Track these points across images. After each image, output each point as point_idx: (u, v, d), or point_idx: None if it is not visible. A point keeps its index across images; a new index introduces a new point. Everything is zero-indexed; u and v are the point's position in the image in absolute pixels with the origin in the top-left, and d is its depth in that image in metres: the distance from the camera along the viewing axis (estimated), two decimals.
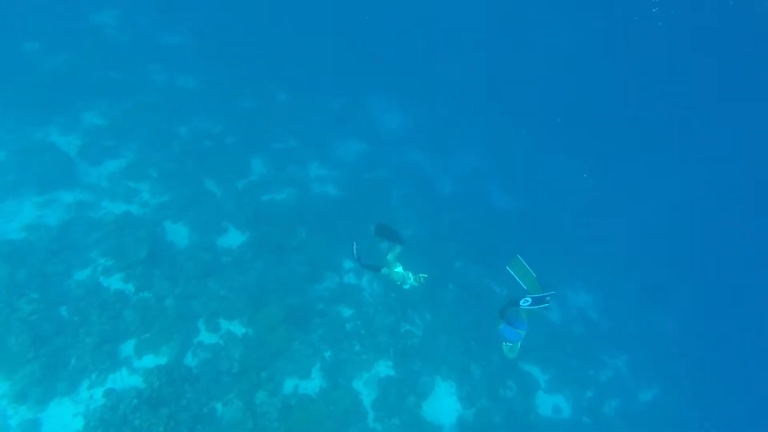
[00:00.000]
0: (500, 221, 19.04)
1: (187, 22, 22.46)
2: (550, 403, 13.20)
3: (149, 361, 9.80)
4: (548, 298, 7.74)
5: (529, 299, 6.74)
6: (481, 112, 26.23)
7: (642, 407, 14.45)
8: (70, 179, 12.74)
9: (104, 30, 18.86)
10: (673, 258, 21.51)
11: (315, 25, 28.06)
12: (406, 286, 9.84)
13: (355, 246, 8.84)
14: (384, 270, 9.13)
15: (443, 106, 25.42)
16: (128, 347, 9.87)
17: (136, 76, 17.85)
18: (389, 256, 9.32)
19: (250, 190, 15.37)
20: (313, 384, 10.78)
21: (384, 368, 11.65)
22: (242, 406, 9.65)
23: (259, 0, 26.77)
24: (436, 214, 17.52)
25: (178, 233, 12.86)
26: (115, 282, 10.72)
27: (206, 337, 10.79)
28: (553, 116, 27.78)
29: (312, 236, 14.23)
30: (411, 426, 10.68)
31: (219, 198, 14.50)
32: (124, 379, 9.40)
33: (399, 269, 10.24)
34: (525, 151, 24.94)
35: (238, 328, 11.17)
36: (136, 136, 15.09)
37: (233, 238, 13.47)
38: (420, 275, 10.21)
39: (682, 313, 18.79)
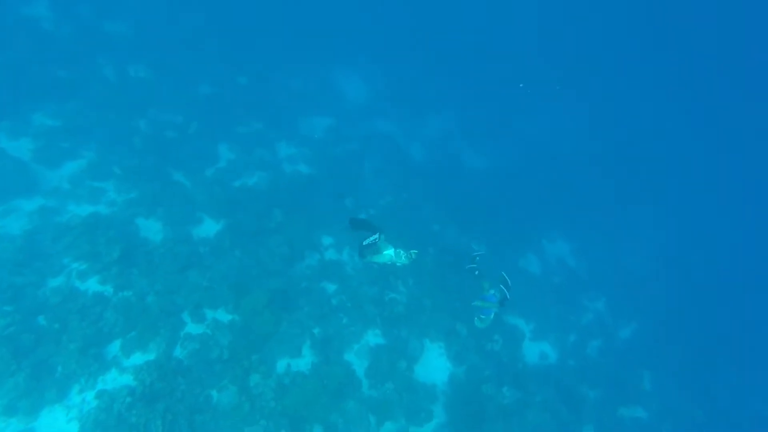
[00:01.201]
0: (473, 181, 19.26)
1: (131, 7, 21.34)
2: (536, 351, 13.75)
3: (138, 358, 9.78)
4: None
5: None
6: (444, 75, 26.07)
7: (621, 344, 15.20)
8: (29, 186, 12.25)
9: (40, 23, 17.72)
10: (642, 198, 22.18)
11: (268, 3, 27.09)
12: (399, 264, 10.16)
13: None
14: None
15: (406, 72, 25.16)
16: (114, 348, 9.80)
17: (84, 71, 16.99)
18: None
19: (221, 177, 15.10)
20: (305, 361, 10.96)
21: (373, 337, 11.90)
22: (237, 390, 9.78)
23: None
24: (410, 180, 17.58)
25: (152, 229, 12.62)
26: (92, 285, 10.53)
27: (193, 328, 10.78)
28: (517, 76, 27.72)
29: (288, 217, 14.16)
30: (405, 389, 11.03)
31: (189, 189, 14.22)
32: (115, 380, 9.38)
33: (389, 251, 10.51)
34: (491, 110, 25.01)
35: (224, 316, 11.19)
36: (93, 135, 14.51)
37: (209, 228, 13.30)
38: (411, 251, 10.56)
39: (652, 252, 19.54)
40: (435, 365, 12.02)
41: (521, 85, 26.16)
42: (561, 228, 18.65)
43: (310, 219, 14.48)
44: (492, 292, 10.97)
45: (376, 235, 9.78)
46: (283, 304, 11.65)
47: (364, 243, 10.44)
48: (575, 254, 17.87)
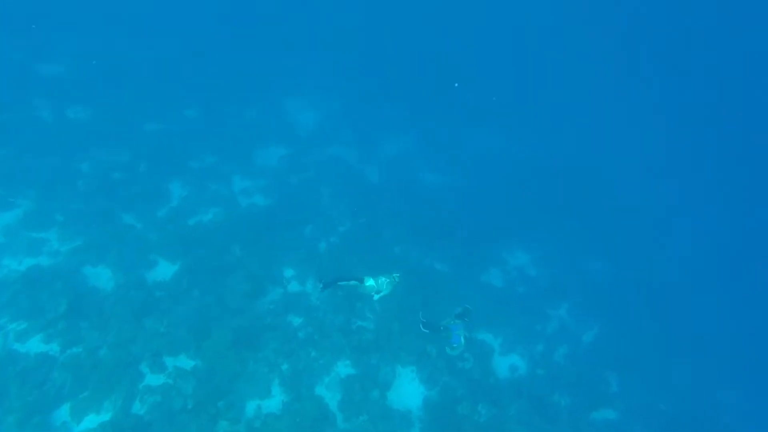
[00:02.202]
0: (431, 199, 19.54)
1: (66, 48, 20.71)
2: (506, 365, 13.89)
3: (91, 421, 9.12)
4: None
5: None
6: (397, 97, 26.64)
7: (586, 348, 15.60)
8: None
9: None
10: (596, 204, 23.20)
11: (214, 32, 27.06)
12: (386, 291, 10.51)
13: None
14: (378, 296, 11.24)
15: (359, 97, 25.54)
16: (63, 413, 9.09)
17: (19, 115, 16.20)
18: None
19: (174, 216, 14.60)
20: (275, 401, 10.57)
21: (343, 368, 11.66)
22: None
23: (143, 14, 25.27)
24: (369, 204, 17.61)
25: (101, 277, 11.98)
26: (34, 345, 9.81)
27: (152, 379, 10.21)
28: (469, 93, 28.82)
29: (248, 251, 13.83)
30: (380, 418, 10.82)
31: (140, 231, 13.65)
32: None
33: (370, 282, 10.72)
34: (446, 127, 25.69)
35: (185, 363, 10.67)
36: (31, 181, 13.75)
37: (164, 270, 12.77)
38: (393, 275, 10.81)
39: (609, 256, 20.38)
40: (408, 390, 11.89)
41: (456, 85, 27.26)
42: (520, 239, 19.13)
43: (270, 252, 14.20)
44: (456, 322, 11.29)
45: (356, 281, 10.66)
46: (248, 343, 11.26)
47: (340, 283, 10.96)
48: (535, 264, 18.34)
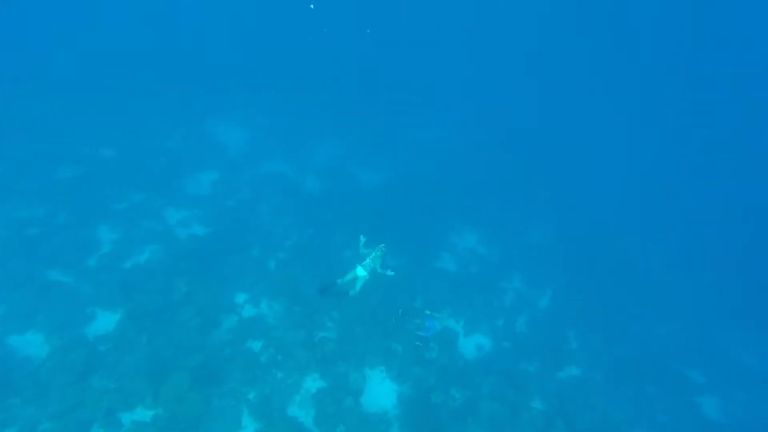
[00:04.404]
0: (373, 198, 19.59)
1: None
2: (472, 345, 14.19)
3: None
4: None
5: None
6: (323, 104, 26.52)
7: (543, 312, 16.26)
8: None
9: None
10: (535, 179, 24.24)
11: (122, 58, 25.73)
12: (380, 264, 10.33)
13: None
14: (354, 291, 11.46)
15: (285, 109, 25.19)
16: None
17: None
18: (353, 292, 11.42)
19: (107, 262, 13.71)
20: None
21: (312, 383, 11.45)
22: None
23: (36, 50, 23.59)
24: (312, 213, 17.41)
25: (32, 344, 11.04)
26: None
27: None
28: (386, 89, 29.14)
29: (194, 284, 13.26)
30: (357, 426, 10.71)
31: (71, 285, 12.70)
32: None
33: (358, 270, 10.49)
34: (375, 125, 25.85)
35: (143, 414, 10.05)
36: None
37: (105, 322, 11.98)
38: (379, 246, 10.62)
39: (549, 223, 21.35)
40: (380, 391, 11.85)
41: (312, 6, 27.34)
42: (465, 220, 19.62)
43: (218, 280, 13.69)
44: (425, 322, 11.50)
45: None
46: (208, 379, 10.78)
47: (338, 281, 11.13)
48: (483, 242, 18.86)
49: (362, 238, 11.42)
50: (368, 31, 27.26)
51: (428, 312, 11.68)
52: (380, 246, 11.34)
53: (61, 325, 11.51)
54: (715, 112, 34.45)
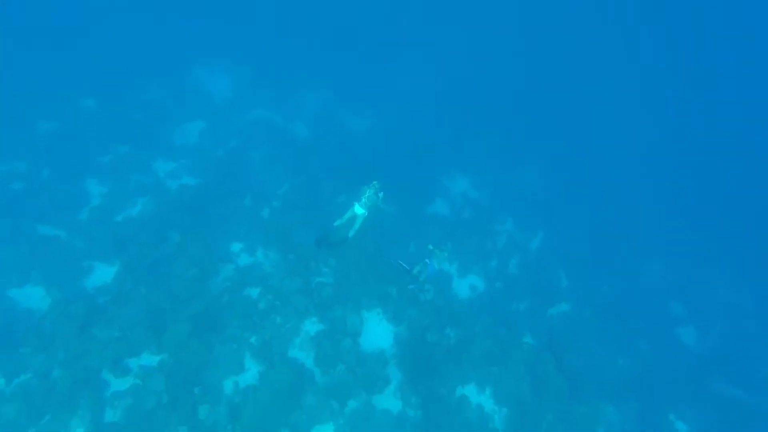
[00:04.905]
0: (363, 144, 19.30)
1: None
2: (465, 287, 14.59)
3: None
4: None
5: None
6: (310, 49, 25.41)
7: (535, 253, 16.64)
8: None
9: None
10: (526, 125, 23.85)
11: (97, 3, 24.10)
12: (374, 200, 10.96)
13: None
14: (352, 232, 11.33)
15: (271, 55, 24.03)
16: None
17: None
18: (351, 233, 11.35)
19: (98, 216, 13.57)
20: (250, 374, 10.64)
21: (311, 326, 11.82)
22: (188, 429, 9.26)
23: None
24: (302, 161, 17.16)
25: (33, 297, 11.14)
26: None
27: (119, 384, 9.93)
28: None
29: (188, 236, 13.25)
30: (356, 364, 11.19)
31: (65, 239, 12.63)
32: None
33: (356, 208, 10.39)
34: (362, 70, 24.93)
35: (150, 360, 10.41)
36: None
37: (102, 275, 12.07)
38: (372, 183, 10.53)
39: (542, 167, 21.30)
40: (377, 332, 12.29)
41: None
42: (457, 165, 19.54)
43: (212, 230, 13.69)
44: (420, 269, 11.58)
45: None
46: (208, 327, 11.06)
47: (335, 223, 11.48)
48: (476, 186, 18.90)
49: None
50: None
51: (431, 247, 11.73)
52: (373, 183, 11.20)
53: (60, 279, 11.57)
54: (706, 52, 33.81)
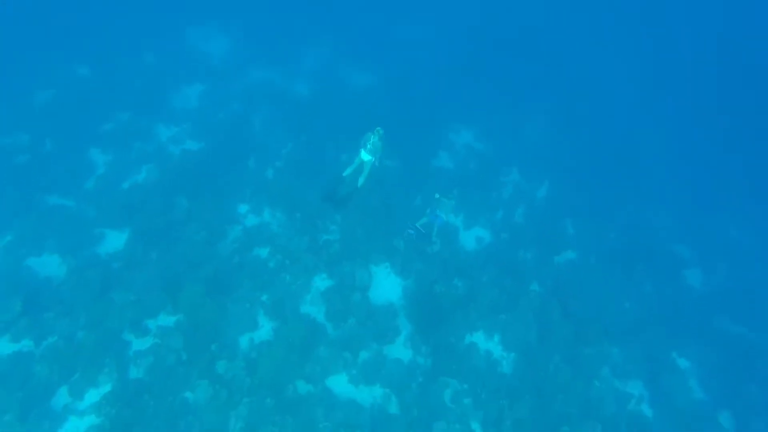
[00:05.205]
0: (366, 100, 18.94)
1: None
2: (472, 238, 14.69)
3: (93, 396, 9.34)
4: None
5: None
6: (308, 3, 24.42)
7: (541, 203, 16.60)
8: None
9: None
10: (521, 73, 23.05)
11: None
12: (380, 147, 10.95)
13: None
14: (362, 180, 11.47)
15: (267, 12, 23.15)
16: (61, 397, 9.24)
17: None
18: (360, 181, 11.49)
19: (105, 185, 13.73)
20: (264, 330, 11.02)
21: (321, 282, 12.11)
22: (209, 383, 9.70)
23: None
24: (304, 120, 16.97)
25: (50, 265, 11.48)
26: (3, 347, 9.60)
27: (139, 344, 10.35)
28: None
29: (195, 200, 13.41)
30: (366, 317, 11.51)
31: (74, 208, 12.85)
32: (76, 426, 8.95)
33: (366, 157, 10.41)
34: (363, 24, 24.03)
35: (167, 320, 10.80)
36: None
37: (115, 241, 12.34)
38: (376, 129, 10.50)
39: (547, 117, 20.78)
40: (386, 286, 12.56)
41: None
42: (461, 118, 19.16)
43: (218, 194, 13.81)
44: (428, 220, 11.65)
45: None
46: (221, 288, 11.38)
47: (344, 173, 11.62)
48: (480, 139, 18.63)
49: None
50: None
51: (437, 196, 11.77)
52: (377, 129, 11.11)
53: (73, 247, 11.85)
54: None
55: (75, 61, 17.87)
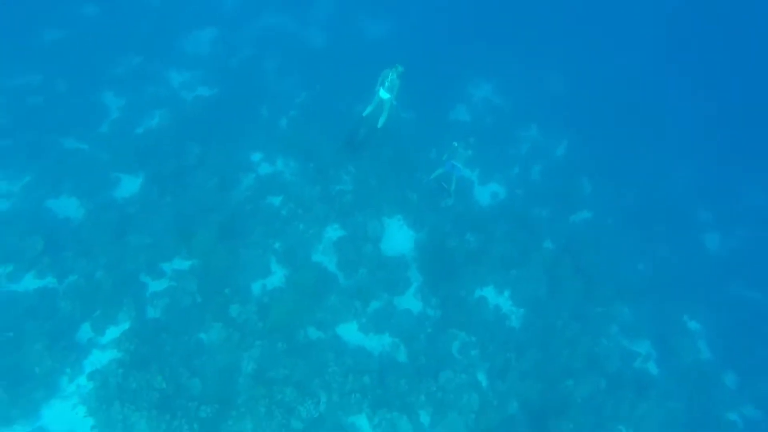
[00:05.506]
0: (382, 50, 18.18)
1: None
2: (486, 193, 14.50)
3: (113, 332, 9.67)
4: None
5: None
6: None
7: (559, 160, 16.20)
8: None
9: None
10: (545, 25, 21.81)
11: None
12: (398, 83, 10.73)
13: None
14: (382, 120, 11.31)
15: None
16: (85, 332, 9.60)
17: None
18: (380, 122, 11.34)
19: (119, 129, 13.66)
20: (276, 276, 11.18)
21: (333, 232, 12.13)
22: (222, 325, 9.95)
23: None
24: (319, 69, 16.50)
25: (68, 207, 11.61)
26: (29, 283, 9.91)
27: (156, 285, 10.59)
28: None
29: (207, 146, 13.33)
30: (377, 268, 11.57)
31: (90, 152, 12.85)
32: (99, 359, 9.34)
33: (385, 95, 10.82)
34: None
35: (181, 264, 10.99)
36: None
37: (130, 185, 12.40)
38: (396, 67, 10.24)
39: (564, 68, 19.84)
40: (398, 238, 12.55)
41: None
42: (479, 70, 18.42)
43: (231, 141, 13.69)
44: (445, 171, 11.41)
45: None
46: (234, 234, 11.46)
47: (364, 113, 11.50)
48: (499, 92, 17.98)
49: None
50: None
51: (455, 144, 11.55)
52: (396, 65, 10.75)
53: (90, 190, 11.91)
54: None
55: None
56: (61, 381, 8.98)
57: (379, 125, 11.38)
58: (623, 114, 18.67)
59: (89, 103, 13.99)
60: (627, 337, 12.37)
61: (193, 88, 15.50)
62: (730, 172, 17.98)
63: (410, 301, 11.56)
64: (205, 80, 15.76)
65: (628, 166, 16.67)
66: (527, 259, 12.82)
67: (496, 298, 12.19)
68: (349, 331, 10.77)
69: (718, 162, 18.07)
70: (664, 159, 17.67)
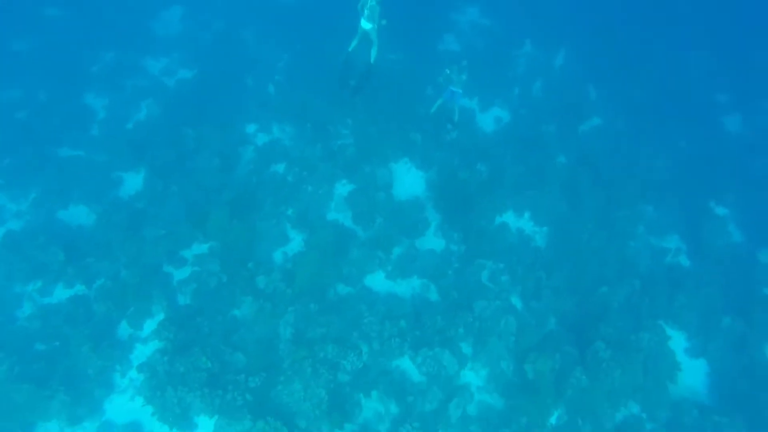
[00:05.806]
0: None
1: None
2: (490, 120, 14.08)
3: (150, 325, 9.94)
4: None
5: None
6: None
7: (559, 72, 15.48)
8: None
9: None
10: None
11: None
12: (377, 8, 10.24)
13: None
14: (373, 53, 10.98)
15: None
16: (124, 329, 9.89)
17: None
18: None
19: (109, 128, 13.47)
20: (295, 242, 11.21)
21: (342, 188, 12.01)
22: (252, 298, 10.09)
23: None
24: (298, 30, 15.72)
25: (79, 215, 11.68)
26: (60, 293, 10.16)
27: (180, 273, 10.76)
28: None
29: (200, 128, 13.05)
30: (394, 215, 11.49)
31: (86, 157, 12.76)
32: (143, 352, 9.65)
33: (367, 25, 10.43)
34: None
35: (200, 248, 11.08)
36: None
37: (133, 182, 12.36)
38: None
39: None
40: (409, 180, 12.37)
41: None
42: None
43: (223, 117, 13.38)
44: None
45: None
46: (245, 210, 11.40)
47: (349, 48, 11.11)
48: (486, 14, 16.96)
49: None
50: None
51: (448, 71, 11.10)
52: None
53: (96, 194, 11.92)
54: None
55: (43, 3, 16.65)
56: (114, 377, 9.38)
57: (372, 60, 10.83)
58: (620, 7, 17.49)
59: (74, 109, 13.73)
60: (655, 235, 12.19)
61: (174, 72, 15.07)
62: (743, 48, 16.88)
63: (432, 241, 11.51)
64: (184, 62, 15.27)
65: (633, 64, 15.80)
66: (542, 177, 12.54)
67: (516, 221, 12.05)
68: (377, 281, 10.85)
69: (730, 40, 16.88)
70: (670, 48, 16.63)
